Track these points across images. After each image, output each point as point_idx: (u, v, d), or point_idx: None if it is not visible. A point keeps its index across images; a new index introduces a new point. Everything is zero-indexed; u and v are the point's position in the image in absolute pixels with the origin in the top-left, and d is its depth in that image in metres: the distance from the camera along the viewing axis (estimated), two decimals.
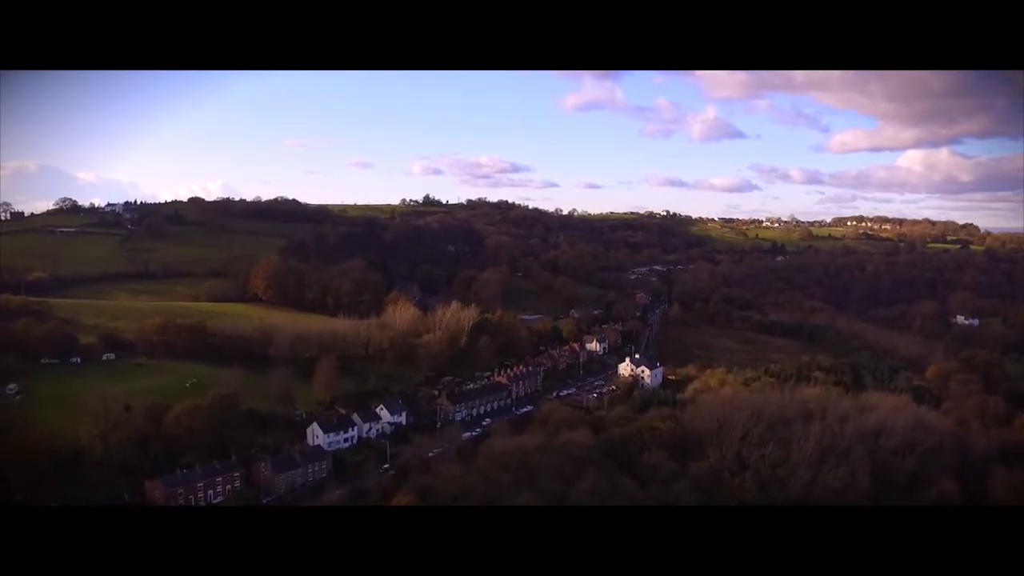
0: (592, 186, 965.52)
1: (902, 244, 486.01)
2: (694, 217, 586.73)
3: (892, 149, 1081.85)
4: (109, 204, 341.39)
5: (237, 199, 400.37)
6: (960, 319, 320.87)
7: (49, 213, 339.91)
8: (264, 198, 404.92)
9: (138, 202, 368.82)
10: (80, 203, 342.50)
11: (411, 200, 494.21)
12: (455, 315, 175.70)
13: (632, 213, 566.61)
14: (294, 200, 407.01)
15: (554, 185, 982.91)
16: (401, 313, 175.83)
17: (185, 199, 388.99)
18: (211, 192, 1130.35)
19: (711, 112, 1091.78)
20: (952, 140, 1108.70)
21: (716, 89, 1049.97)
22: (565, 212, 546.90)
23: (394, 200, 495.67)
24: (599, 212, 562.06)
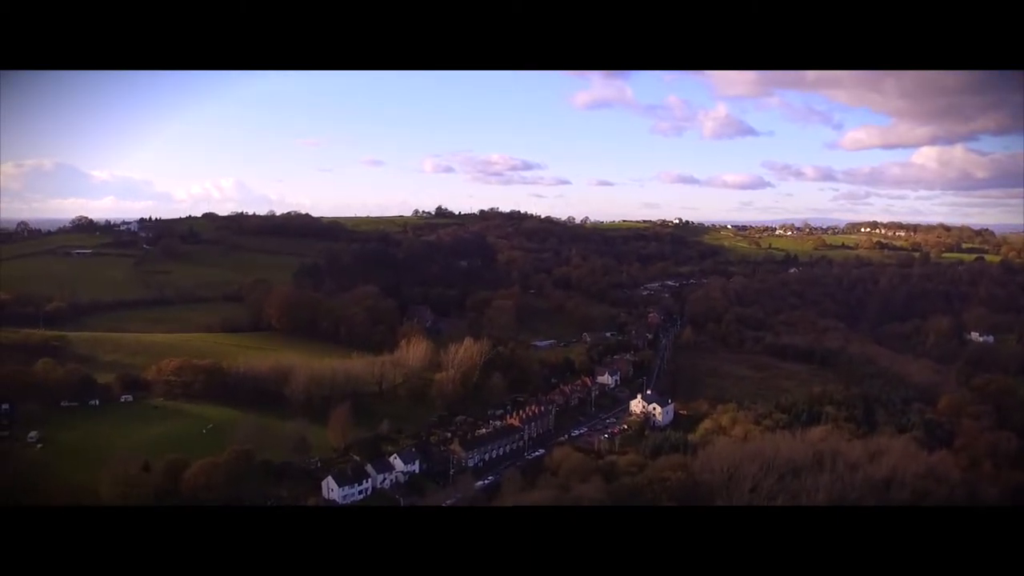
0: (604, 183, 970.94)
1: (916, 254, 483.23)
2: (707, 224, 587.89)
3: (906, 146, 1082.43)
4: (124, 222, 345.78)
5: (250, 206, 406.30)
6: (975, 336, 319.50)
7: (64, 231, 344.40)
8: (276, 195, 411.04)
9: (153, 218, 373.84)
10: (95, 199, 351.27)
11: (423, 211, 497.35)
12: (468, 351, 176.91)
13: (645, 222, 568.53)
14: (307, 215, 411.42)
15: (566, 182, 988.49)
16: (414, 350, 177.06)
17: (199, 201, 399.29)
18: (224, 189, 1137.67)
19: (722, 109, 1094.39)
20: (967, 137, 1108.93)
21: (726, 87, 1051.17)
22: (578, 219, 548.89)
23: (406, 198, 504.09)
24: (611, 221, 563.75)
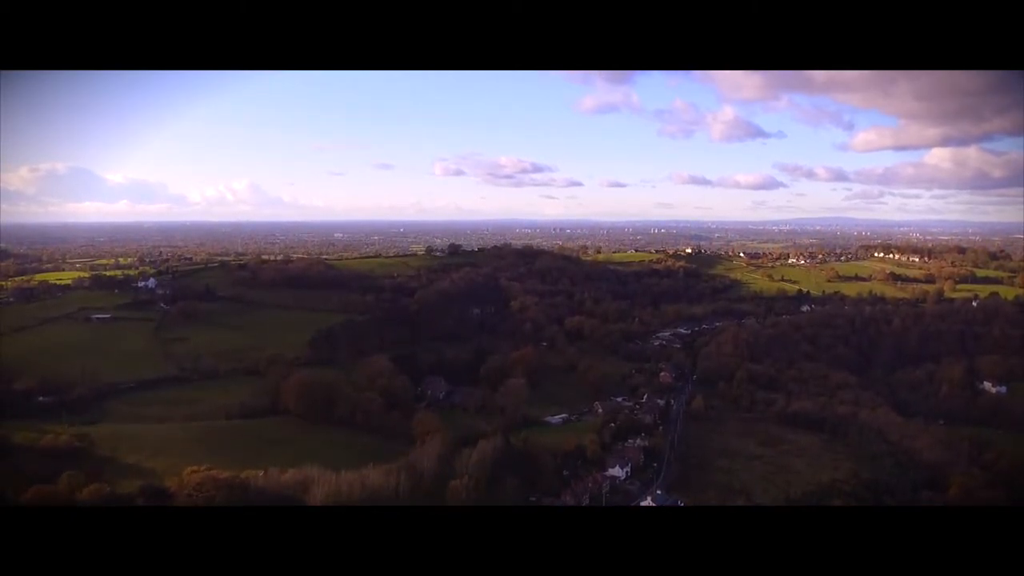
0: (616, 184, 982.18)
1: (930, 287, 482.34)
2: (720, 253, 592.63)
3: (917, 147, 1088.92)
4: (142, 280, 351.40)
5: (264, 208, 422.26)
6: (988, 385, 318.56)
7: (83, 287, 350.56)
8: (289, 197, 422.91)
9: (170, 271, 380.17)
10: (110, 203, 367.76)
11: (437, 250, 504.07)
12: (481, 454, 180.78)
13: (658, 251, 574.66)
14: (323, 261, 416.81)
15: (578, 184, 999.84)
16: (428, 452, 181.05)
17: (213, 204, 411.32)
18: (237, 192, 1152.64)
19: (730, 112, 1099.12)
20: (982, 137, 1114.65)
21: (732, 91, 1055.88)
22: (593, 220, 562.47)
23: (418, 199, 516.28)
24: (624, 252, 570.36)
